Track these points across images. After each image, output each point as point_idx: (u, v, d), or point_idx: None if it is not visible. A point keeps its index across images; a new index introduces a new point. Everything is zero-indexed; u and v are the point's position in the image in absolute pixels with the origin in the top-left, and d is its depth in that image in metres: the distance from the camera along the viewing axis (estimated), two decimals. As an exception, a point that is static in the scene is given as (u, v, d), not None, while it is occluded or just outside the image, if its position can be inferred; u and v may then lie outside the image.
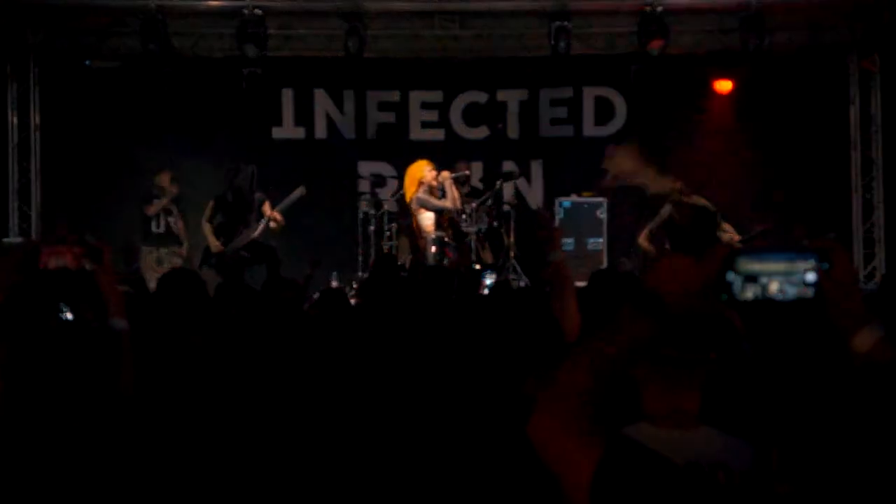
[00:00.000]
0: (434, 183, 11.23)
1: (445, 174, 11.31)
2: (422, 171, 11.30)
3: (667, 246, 10.86)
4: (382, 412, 4.10)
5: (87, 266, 2.93)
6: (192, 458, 3.65)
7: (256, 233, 10.72)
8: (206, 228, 10.80)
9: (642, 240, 11.50)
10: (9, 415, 2.89)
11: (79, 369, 3.02)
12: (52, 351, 3.04)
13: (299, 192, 10.95)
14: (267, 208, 10.74)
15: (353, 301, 7.60)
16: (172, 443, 3.55)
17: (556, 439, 1.81)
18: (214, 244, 10.62)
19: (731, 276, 1.80)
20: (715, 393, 2.60)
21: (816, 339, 2.85)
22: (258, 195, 10.91)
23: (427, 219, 11.19)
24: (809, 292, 1.81)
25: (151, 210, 11.84)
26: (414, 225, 11.32)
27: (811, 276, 1.81)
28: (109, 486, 3.00)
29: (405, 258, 11.61)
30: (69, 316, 3.18)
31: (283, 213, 10.87)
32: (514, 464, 3.20)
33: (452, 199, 11.17)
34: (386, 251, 12.21)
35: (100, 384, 2.95)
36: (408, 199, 11.37)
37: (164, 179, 11.96)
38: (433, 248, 11.01)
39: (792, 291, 1.80)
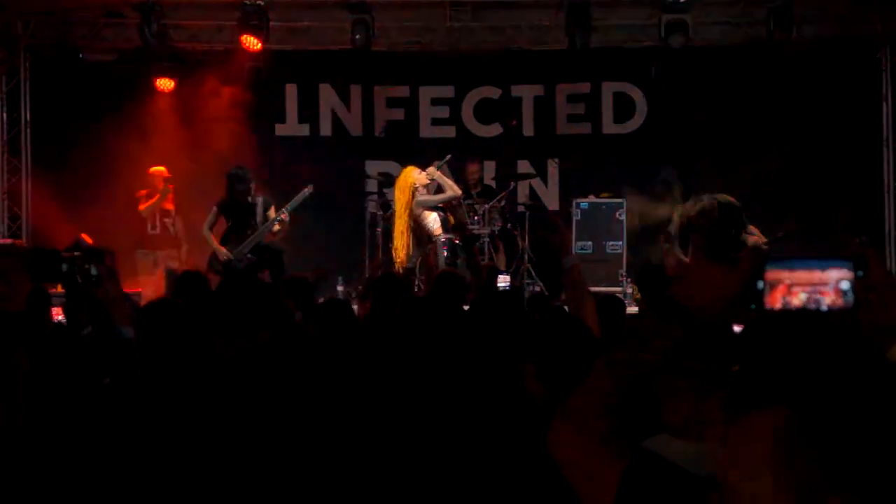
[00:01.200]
0: (426, 181, 11.18)
1: (431, 168, 11.25)
2: (411, 176, 11.19)
3: (689, 247, 10.80)
4: (394, 428, 4.11)
5: (94, 271, 2.93)
6: (193, 467, 3.67)
7: (262, 237, 10.75)
8: (209, 236, 10.81)
9: (662, 241, 11.47)
10: (28, 420, 2.91)
11: (93, 376, 3.04)
12: (67, 358, 3.05)
13: (306, 191, 10.96)
14: (272, 211, 10.77)
15: (355, 305, 7.61)
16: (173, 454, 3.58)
17: (578, 452, 1.82)
18: (222, 252, 10.65)
19: (761, 284, 1.81)
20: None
21: (851, 350, 2.85)
22: (262, 198, 10.93)
23: (433, 221, 11.17)
24: (844, 301, 1.81)
25: (145, 210, 11.83)
26: (412, 235, 11.22)
27: (845, 285, 1.81)
28: (126, 486, 3.02)
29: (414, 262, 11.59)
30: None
31: (290, 213, 10.88)
32: (531, 479, 3.22)
33: (450, 186, 11.14)
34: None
35: (118, 391, 2.97)
36: (405, 209, 11.20)
37: (157, 178, 11.93)
38: (444, 252, 10.99)
39: (825, 301, 1.81)
